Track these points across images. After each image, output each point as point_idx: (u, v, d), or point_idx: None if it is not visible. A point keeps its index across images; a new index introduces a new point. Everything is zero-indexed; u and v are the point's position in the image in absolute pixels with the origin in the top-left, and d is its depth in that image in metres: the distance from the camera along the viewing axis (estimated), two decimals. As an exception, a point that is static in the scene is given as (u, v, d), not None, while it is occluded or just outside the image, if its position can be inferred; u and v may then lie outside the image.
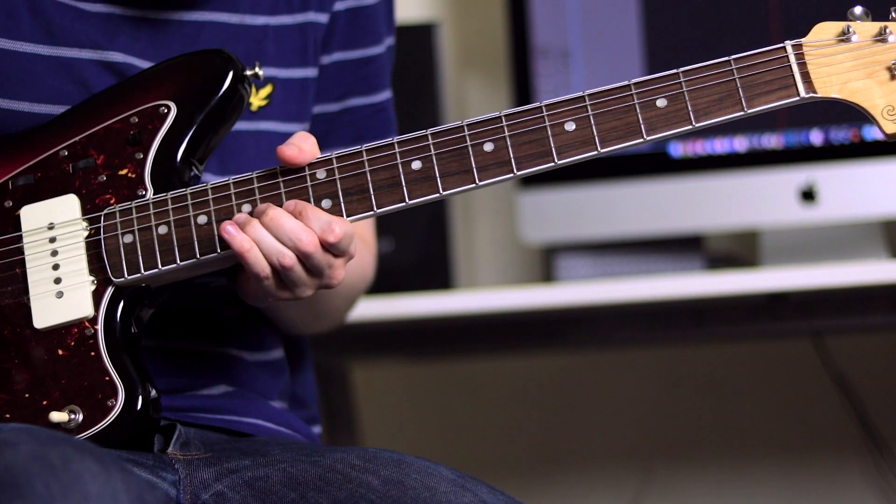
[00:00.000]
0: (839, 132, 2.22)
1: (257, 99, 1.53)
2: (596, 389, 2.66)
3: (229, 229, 1.35)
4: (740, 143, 2.26)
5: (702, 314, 2.14)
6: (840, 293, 2.07)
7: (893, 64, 1.33)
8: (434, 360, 2.64)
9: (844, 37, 1.34)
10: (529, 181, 2.31)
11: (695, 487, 2.63)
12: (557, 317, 2.16)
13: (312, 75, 1.57)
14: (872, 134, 2.21)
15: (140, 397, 1.35)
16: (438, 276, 2.31)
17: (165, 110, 1.42)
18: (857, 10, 1.35)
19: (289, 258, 1.35)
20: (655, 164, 2.28)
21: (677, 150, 2.28)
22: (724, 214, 2.27)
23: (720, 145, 2.27)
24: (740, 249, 2.46)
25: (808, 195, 2.23)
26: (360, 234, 1.64)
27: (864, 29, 1.35)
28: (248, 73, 1.43)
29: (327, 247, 1.35)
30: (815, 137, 2.23)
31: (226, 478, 1.39)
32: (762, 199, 2.25)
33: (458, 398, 2.70)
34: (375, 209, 1.37)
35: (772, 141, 2.25)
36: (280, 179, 1.38)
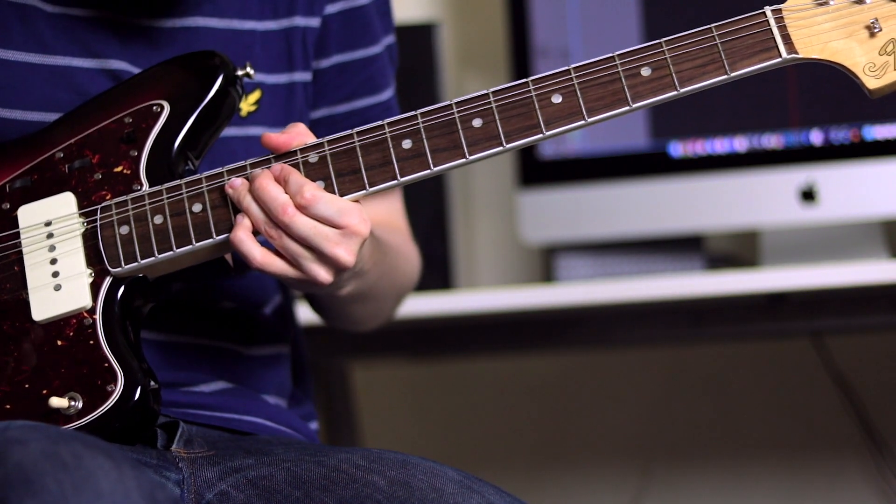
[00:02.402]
0: (839, 132, 2.23)
1: (246, 104, 1.55)
2: (596, 389, 2.66)
3: (240, 235, 1.37)
4: (740, 143, 2.26)
5: (702, 314, 2.14)
6: (840, 293, 2.07)
7: (872, 23, 1.35)
8: (434, 360, 2.64)
9: (823, 0, 1.36)
10: (530, 181, 2.31)
11: (695, 487, 2.63)
12: (557, 317, 2.16)
13: (300, 80, 1.59)
14: (873, 134, 2.21)
15: (139, 383, 1.36)
16: (438, 276, 2.31)
17: (159, 109, 1.44)
18: None
19: (273, 230, 1.35)
20: (655, 164, 2.28)
21: (677, 150, 2.28)
22: (724, 214, 2.27)
23: (720, 145, 2.27)
24: (740, 249, 2.46)
25: (808, 195, 2.23)
26: (394, 224, 1.66)
27: None
28: (240, 73, 1.46)
29: (303, 211, 1.35)
30: (815, 137, 2.23)
31: (230, 476, 1.40)
32: (762, 199, 2.25)
33: (458, 398, 2.70)
34: (368, 188, 1.38)
35: (772, 141, 2.25)
36: (273, 164, 1.39)
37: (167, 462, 1.41)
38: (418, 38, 2.34)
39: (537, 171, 2.31)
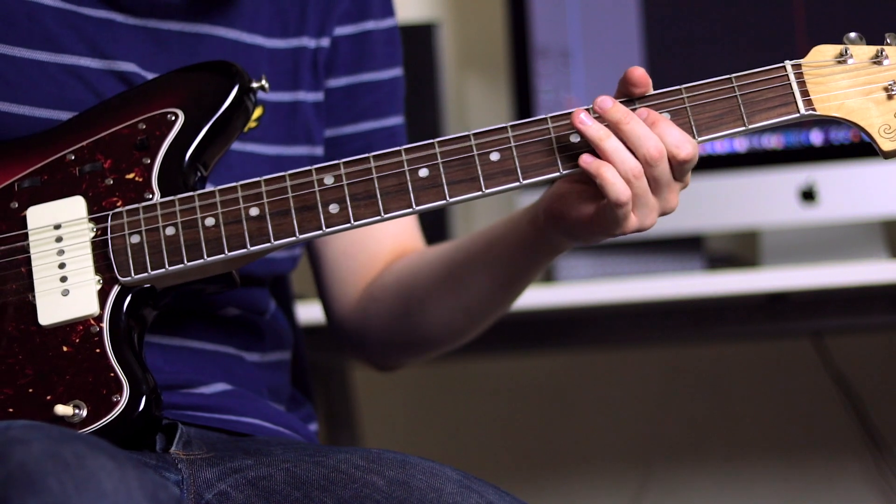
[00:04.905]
0: (839, 132, 2.23)
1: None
2: (596, 389, 2.66)
3: (583, 119, 1.35)
4: (740, 143, 2.26)
5: (702, 314, 2.14)
6: (840, 293, 2.07)
7: (890, 84, 1.36)
8: (434, 360, 2.64)
9: (842, 58, 1.37)
10: (529, 181, 2.31)
11: (695, 487, 2.63)
12: (557, 317, 2.16)
13: (306, 99, 1.59)
14: (872, 135, 2.21)
15: (144, 394, 1.36)
16: (438, 276, 2.30)
17: (173, 117, 1.43)
18: (852, 35, 1.38)
19: (637, 169, 1.34)
20: (655, 164, 2.28)
21: (677, 150, 2.28)
22: (724, 214, 2.27)
23: (720, 145, 2.27)
24: (740, 249, 2.46)
25: (808, 195, 2.23)
26: (415, 246, 1.67)
27: (860, 52, 1.38)
28: (255, 85, 1.45)
29: (672, 162, 1.35)
30: (815, 137, 2.24)
31: (229, 477, 1.40)
32: (762, 199, 2.25)
33: (457, 398, 2.70)
34: (383, 214, 1.37)
35: (772, 141, 2.25)
36: (288, 183, 1.39)
37: (166, 463, 1.41)
38: (418, 38, 2.34)
39: (537, 171, 2.31)
